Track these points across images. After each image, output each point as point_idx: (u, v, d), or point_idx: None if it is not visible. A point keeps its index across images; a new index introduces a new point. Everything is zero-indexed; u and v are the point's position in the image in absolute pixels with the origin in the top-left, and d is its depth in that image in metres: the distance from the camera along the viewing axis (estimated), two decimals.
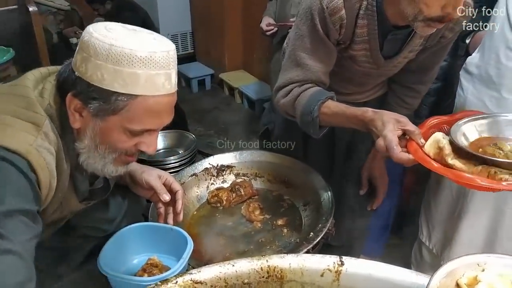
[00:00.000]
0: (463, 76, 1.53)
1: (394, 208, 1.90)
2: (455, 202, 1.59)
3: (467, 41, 1.55)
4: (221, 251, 1.35)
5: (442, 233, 1.68)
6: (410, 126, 1.06)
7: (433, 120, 1.18)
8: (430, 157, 1.03)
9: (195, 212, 1.54)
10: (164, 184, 1.24)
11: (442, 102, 1.73)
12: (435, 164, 1.00)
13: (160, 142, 1.79)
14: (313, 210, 1.45)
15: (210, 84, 4.49)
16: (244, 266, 0.99)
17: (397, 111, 1.46)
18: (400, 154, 1.04)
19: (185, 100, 4.12)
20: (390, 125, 1.05)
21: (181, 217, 1.25)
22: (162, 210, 1.25)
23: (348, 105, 1.22)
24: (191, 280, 0.95)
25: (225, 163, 1.65)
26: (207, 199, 1.58)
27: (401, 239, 2.06)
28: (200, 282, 0.96)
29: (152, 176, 1.22)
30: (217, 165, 1.64)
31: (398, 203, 1.96)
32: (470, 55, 1.52)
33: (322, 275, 0.98)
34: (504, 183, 0.89)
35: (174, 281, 0.95)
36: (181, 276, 0.96)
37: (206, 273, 0.97)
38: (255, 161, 1.66)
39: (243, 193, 1.56)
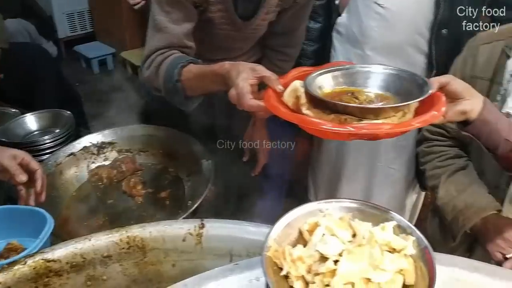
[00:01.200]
0: (335, 36, 1.57)
1: (287, 173, 1.94)
2: (335, 163, 1.65)
3: (337, 1, 1.58)
4: (99, 230, 1.30)
5: (325, 193, 1.74)
6: (266, 73, 1.02)
7: (297, 72, 1.10)
8: (288, 107, 0.98)
9: (74, 193, 1.47)
10: (21, 164, 1.15)
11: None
12: (283, 110, 0.94)
13: (34, 123, 1.68)
14: (195, 180, 1.44)
15: (112, 63, 4.30)
16: (102, 239, 0.95)
17: None
18: (250, 101, 0.98)
19: (85, 81, 3.93)
20: (244, 74, 1.01)
21: (43, 197, 1.17)
22: (23, 192, 1.17)
23: None
24: (42, 260, 0.90)
25: (106, 140, 1.59)
26: (87, 178, 1.51)
27: (297, 203, 2.09)
28: (54, 260, 0.91)
29: (5, 157, 1.13)
30: (98, 143, 1.57)
31: (291, 168, 2.00)
32: (341, 15, 1.56)
33: (184, 240, 0.97)
34: (349, 127, 0.85)
35: (23, 263, 0.89)
36: (31, 256, 0.90)
37: (60, 250, 0.92)
38: (137, 136, 1.61)
39: (124, 169, 1.51)
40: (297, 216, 0.81)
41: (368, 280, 0.70)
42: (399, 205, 1.55)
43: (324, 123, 0.88)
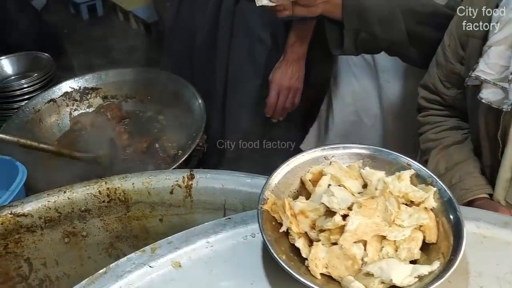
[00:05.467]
0: None
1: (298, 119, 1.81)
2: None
3: None
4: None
5: None
6: None
7: None
8: None
9: (56, 142, 1.35)
10: None
11: None
12: None
13: (9, 67, 1.53)
14: (186, 128, 1.32)
15: (102, 9, 4.05)
16: (78, 191, 0.85)
17: None
18: None
19: (74, 29, 3.72)
20: None
21: None
22: None
23: None
24: (11, 214, 0.80)
25: (89, 85, 1.46)
26: (69, 127, 1.40)
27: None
28: (24, 215, 0.81)
29: None
30: (80, 88, 1.44)
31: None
32: None
33: (171, 193, 0.87)
34: None
35: None
36: None
37: (31, 204, 0.82)
38: (124, 81, 1.48)
39: (110, 116, 1.39)
40: (299, 164, 0.70)
41: (383, 237, 0.60)
42: None
43: None
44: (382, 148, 0.70)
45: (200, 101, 1.28)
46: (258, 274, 0.62)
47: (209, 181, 0.85)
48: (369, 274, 0.57)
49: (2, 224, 0.79)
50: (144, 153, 1.26)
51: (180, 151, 1.18)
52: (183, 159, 1.12)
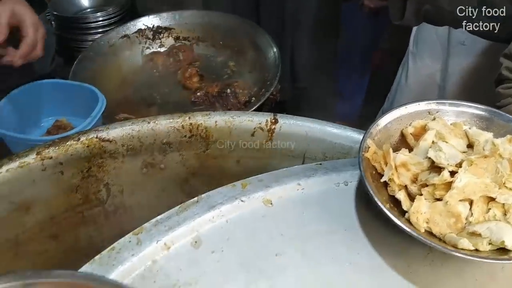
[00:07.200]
0: None
1: (369, 65, 1.76)
2: None
3: None
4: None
5: None
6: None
7: None
8: None
9: (127, 78, 1.36)
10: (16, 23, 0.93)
11: None
12: None
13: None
14: (258, 76, 1.29)
15: None
16: (162, 123, 0.84)
17: None
18: None
19: None
20: None
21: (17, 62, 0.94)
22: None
23: None
24: (97, 138, 0.81)
25: (163, 24, 1.44)
26: (141, 64, 1.40)
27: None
28: (109, 140, 0.82)
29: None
30: (153, 27, 1.43)
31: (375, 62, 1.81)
32: None
33: (253, 134, 0.85)
34: None
35: (76, 138, 0.80)
36: (85, 133, 0.81)
37: (115, 130, 0.82)
38: (197, 23, 1.45)
39: (181, 58, 1.38)
40: (401, 116, 0.66)
41: (490, 199, 0.57)
42: None
43: None
44: (494, 109, 0.65)
45: (275, 49, 1.25)
46: (352, 221, 0.60)
47: (293, 127, 0.83)
48: (474, 234, 0.54)
49: (88, 146, 0.80)
50: (214, 97, 1.24)
51: (254, 98, 1.16)
52: (256, 106, 1.10)
